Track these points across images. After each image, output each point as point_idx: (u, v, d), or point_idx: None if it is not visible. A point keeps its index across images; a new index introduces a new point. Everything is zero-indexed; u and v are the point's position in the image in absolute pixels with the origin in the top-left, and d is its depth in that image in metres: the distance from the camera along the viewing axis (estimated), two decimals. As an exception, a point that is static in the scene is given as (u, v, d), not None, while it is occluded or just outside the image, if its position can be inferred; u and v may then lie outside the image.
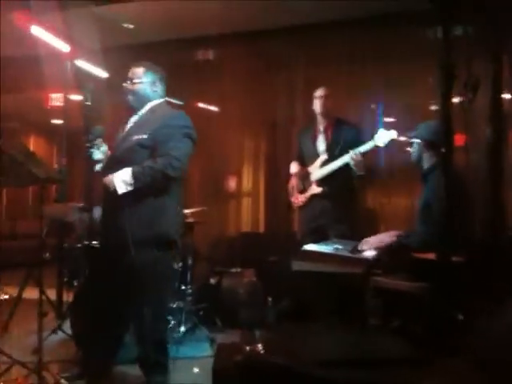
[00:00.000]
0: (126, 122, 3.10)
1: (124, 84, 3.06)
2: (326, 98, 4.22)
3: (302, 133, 4.53)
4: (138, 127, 3.01)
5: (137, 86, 3.04)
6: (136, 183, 2.82)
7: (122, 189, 2.81)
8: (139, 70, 3.07)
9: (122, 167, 2.86)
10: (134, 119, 3.08)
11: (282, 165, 5.38)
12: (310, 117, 4.41)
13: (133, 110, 3.10)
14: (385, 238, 3.18)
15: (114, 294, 2.90)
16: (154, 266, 2.90)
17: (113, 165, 2.94)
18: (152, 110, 3.07)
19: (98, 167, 3.06)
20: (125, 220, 2.81)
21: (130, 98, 3.05)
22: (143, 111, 3.07)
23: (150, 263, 2.87)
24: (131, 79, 3.06)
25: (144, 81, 3.05)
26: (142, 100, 3.06)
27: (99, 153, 3.02)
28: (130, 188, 2.82)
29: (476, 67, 2.27)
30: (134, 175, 2.82)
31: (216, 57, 6.04)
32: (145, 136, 2.91)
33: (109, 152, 3.08)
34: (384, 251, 3.07)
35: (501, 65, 2.23)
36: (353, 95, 5.30)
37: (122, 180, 2.82)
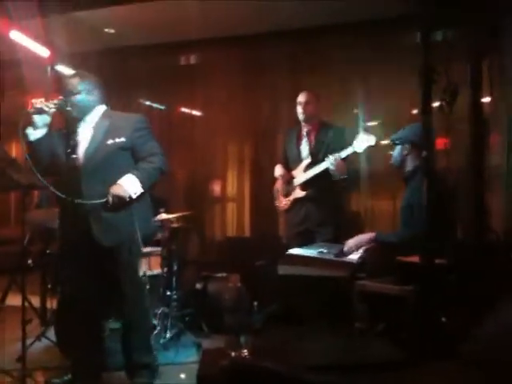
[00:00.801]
0: (69, 131, 3.04)
1: (61, 97, 2.98)
2: (307, 103, 4.24)
3: (287, 136, 4.54)
4: (106, 133, 3.01)
5: (75, 97, 3.00)
6: (144, 185, 2.96)
7: (135, 194, 2.92)
8: (75, 81, 3.05)
9: (107, 172, 2.93)
10: (85, 126, 3.06)
11: (266, 169, 5.38)
12: (295, 121, 4.42)
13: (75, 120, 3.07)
14: (362, 238, 3.20)
15: (96, 298, 2.97)
16: (135, 268, 3.04)
17: (92, 171, 2.95)
18: (105, 115, 3.10)
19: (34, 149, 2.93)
20: (104, 223, 2.94)
21: (71, 108, 3.00)
22: (94, 118, 3.07)
23: (130, 265, 3.00)
24: (69, 90, 3.02)
25: (81, 90, 3.02)
26: (84, 109, 3.05)
27: (37, 131, 2.90)
28: (140, 191, 2.94)
29: (456, 71, 2.30)
30: (140, 178, 2.94)
31: (200, 61, 6.04)
32: (124, 139, 3.01)
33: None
34: (368, 253, 3.09)
35: (480, 69, 2.26)
36: (337, 99, 5.33)
37: (132, 186, 2.92)
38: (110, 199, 2.88)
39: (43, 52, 5.16)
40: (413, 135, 3.20)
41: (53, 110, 2.88)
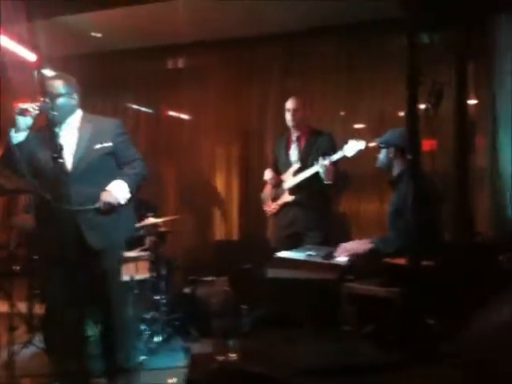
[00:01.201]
0: (51, 135, 2.91)
1: (42, 99, 2.89)
2: (295, 110, 4.27)
3: (277, 141, 4.58)
4: (91, 137, 3.00)
5: (58, 100, 2.97)
6: (131, 190, 3.02)
7: (123, 200, 2.98)
8: (58, 83, 3.02)
9: (95, 176, 2.95)
10: (66, 129, 3.03)
11: (255, 173, 5.39)
12: (284, 125, 4.44)
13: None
14: (358, 245, 3.21)
15: (83, 302, 2.98)
16: (119, 271, 3.10)
17: (80, 176, 2.94)
18: (86, 119, 3.09)
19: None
20: (95, 228, 2.97)
21: (53, 111, 2.90)
22: (75, 122, 3.06)
23: (115, 268, 3.07)
24: (52, 93, 2.97)
25: (64, 93, 3.01)
26: (65, 112, 3.03)
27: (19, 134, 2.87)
28: (128, 197, 2.99)
29: (441, 74, 2.32)
30: (128, 183, 3.00)
31: (188, 65, 6.03)
32: (110, 144, 3.04)
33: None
34: (357, 257, 3.10)
35: (465, 71, 2.28)
36: (326, 104, 5.34)
37: (121, 192, 2.97)
38: (102, 206, 2.92)
39: (30, 56, 5.13)
40: (398, 139, 3.21)
41: (36, 112, 2.85)
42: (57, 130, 2.98)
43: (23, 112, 2.82)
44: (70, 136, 3.03)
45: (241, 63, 5.73)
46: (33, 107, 2.83)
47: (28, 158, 2.94)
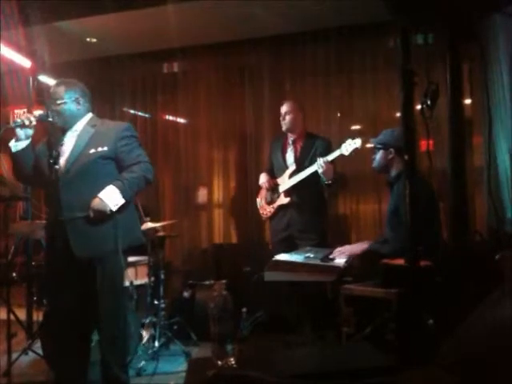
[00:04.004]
0: (53, 142, 2.98)
1: (46, 105, 2.99)
2: (289, 114, 4.27)
3: (273, 145, 4.58)
4: (89, 141, 2.97)
5: (61, 106, 2.97)
6: (125, 196, 2.88)
7: (115, 207, 2.85)
8: (60, 90, 3.01)
9: (86, 182, 2.88)
10: (71, 135, 3.02)
11: (252, 176, 5.39)
12: (280, 128, 4.44)
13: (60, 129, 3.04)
14: (357, 248, 3.21)
15: (82, 310, 2.92)
16: (114, 281, 2.97)
17: (71, 180, 2.90)
18: (91, 123, 3.06)
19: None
20: (81, 236, 2.88)
21: (56, 118, 2.97)
22: (80, 127, 3.04)
23: (109, 278, 2.93)
24: (54, 99, 2.99)
25: (67, 99, 2.99)
26: (69, 118, 3.01)
27: (19, 143, 2.92)
28: (121, 203, 2.86)
29: (437, 74, 2.31)
30: (121, 189, 2.86)
31: (185, 69, 6.02)
32: (105, 148, 2.95)
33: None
34: (355, 258, 3.10)
35: (461, 71, 2.28)
36: (322, 105, 5.35)
37: (111, 198, 2.84)
38: (91, 214, 2.83)
39: (25, 62, 5.12)
40: (393, 140, 3.21)
41: (34, 122, 2.87)
42: (62, 136, 3.01)
43: (21, 125, 2.85)
44: (71, 141, 3.00)
45: (235, 67, 5.74)
46: (28, 119, 2.84)
47: (31, 165, 2.97)
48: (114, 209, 2.85)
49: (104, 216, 2.84)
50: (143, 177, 2.98)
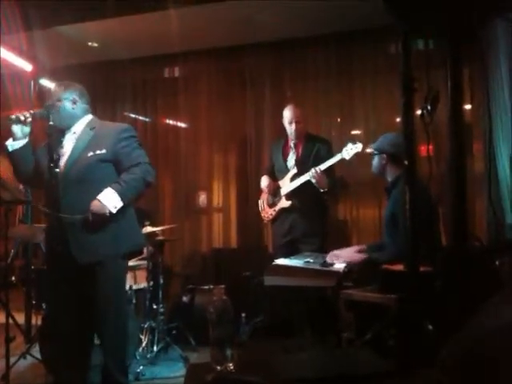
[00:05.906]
0: (53, 143, 2.97)
1: (45, 106, 2.96)
2: (297, 122, 4.24)
3: (274, 147, 4.56)
4: (88, 143, 2.95)
5: (57, 105, 2.96)
6: (124, 199, 2.85)
7: (114, 209, 2.82)
8: (59, 89, 3.02)
9: (85, 185, 2.86)
10: (70, 137, 3.01)
11: (252, 181, 5.39)
12: (281, 132, 4.43)
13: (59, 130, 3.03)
14: (353, 255, 3.20)
15: (80, 314, 2.91)
16: (113, 286, 2.95)
17: (70, 183, 2.89)
18: (90, 125, 3.04)
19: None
20: (80, 241, 2.86)
21: (52, 116, 2.94)
22: (79, 128, 3.02)
23: (108, 283, 2.92)
24: (51, 98, 2.99)
25: (63, 99, 2.99)
26: (67, 118, 3.01)
27: (16, 142, 2.90)
28: (120, 206, 2.83)
29: (437, 79, 2.31)
30: (119, 191, 2.83)
31: (186, 74, 6.03)
32: (104, 151, 2.93)
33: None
34: (354, 264, 3.09)
35: (461, 77, 2.28)
36: (323, 110, 5.36)
37: (110, 200, 2.81)
38: (90, 217, 2.79)
39: (26, 66, 5.14)
40: (386, 145, 3.20)
41: (29, 119, 2.86)
42: (62, 138, 3.00)
43: (16, 120, 2.84)
44: (70, 143, 2.99)
45: (236, 72, 5.75)
46: (24, 115, 2.83)
47: (30, 166, 2.96)
48: (114, 211, 2.82)
49: (103, 218, 2.82)
50: (142, 179, 2.94)
